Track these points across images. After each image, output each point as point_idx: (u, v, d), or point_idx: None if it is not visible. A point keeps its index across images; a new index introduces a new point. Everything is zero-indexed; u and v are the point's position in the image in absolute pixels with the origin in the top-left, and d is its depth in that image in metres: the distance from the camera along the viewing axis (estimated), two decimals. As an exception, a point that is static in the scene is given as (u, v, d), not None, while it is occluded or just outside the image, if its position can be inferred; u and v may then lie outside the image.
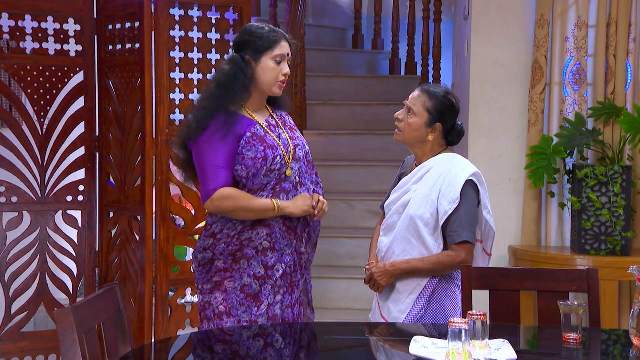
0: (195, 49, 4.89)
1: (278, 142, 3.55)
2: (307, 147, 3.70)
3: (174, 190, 5.05)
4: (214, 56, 4.92)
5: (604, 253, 4.99)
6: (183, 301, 4.88)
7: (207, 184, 3.49)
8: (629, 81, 5.23)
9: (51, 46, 4.99)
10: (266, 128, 3.56)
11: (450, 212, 3.55)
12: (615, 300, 4.93)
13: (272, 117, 3.65)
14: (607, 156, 5.12)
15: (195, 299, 4.83)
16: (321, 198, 3.62)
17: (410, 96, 3.70)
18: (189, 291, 4.88)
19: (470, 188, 3.60)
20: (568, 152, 5.17)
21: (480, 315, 2.81)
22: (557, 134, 5.23)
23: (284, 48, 3.57)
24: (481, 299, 3.62)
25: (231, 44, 4.85)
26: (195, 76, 4.89)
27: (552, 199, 5.31)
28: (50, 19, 4.97)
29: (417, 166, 3.74)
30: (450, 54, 6.87)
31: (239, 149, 3.48)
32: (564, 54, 5.28)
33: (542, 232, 5.37)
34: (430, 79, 7.55)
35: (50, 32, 4.98)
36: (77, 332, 2.58)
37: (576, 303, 3.08)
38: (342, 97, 7.64)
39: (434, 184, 3.61)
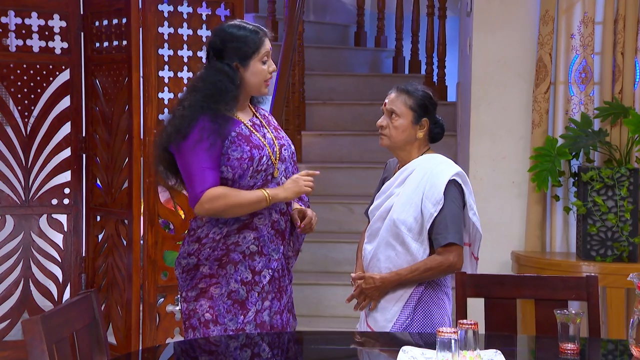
0: (185, 46, 4.90)
1: (263, 141, 3.53)
2: (292, 147, 3.69)
3: (166, 194, 5.05)
4: (204, 54, 4.89)
5: (610, 259, 4.95)
6: (172, 308, 4.86)
7: (195, 187, 3.46)
8: (637, 80, 5.19)
9: (35, 43, 5.00)
10: (251, 127, 3.54)
11: (435, 214, 3.53)
12: (622, 309, 4.90)
13: (256, 117, 3.63)
14: (614, 158, 5.09)
15: (185, 306, 4.81)
16: (310, 214, 3.60)
17: (386, 100, 3.69)
18: (178, 298, 4.86)
19: (454, 188, 3.58)
20: (573, 153, 5.13)
21: (471, 324, 2.78)
22: (562, 135, 5.20)
23: (267, 45, 3.56)
24: (480, 307, 3.59)
25: (204, 39, 4.87)
26: (185, 74, 4.88)
27: (557, 203, 5.28)
28: (34, 14, 4.98)
29: (400, 169, 3.72)
30: (457, 51, 6.84)
31: (223, 149, 3.46)
32: (570, 51, 5.25)
33: (547, 237, 5.34)
34: (435, 78, 7.53)
35: (35, 28, 4.99)
36: (46, 342, 2.56)
37: (573, 312, 3.05)
38: (343, 97, 7.61)
39: (417, 186, 3.60)
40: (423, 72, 7.77)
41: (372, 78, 7.90)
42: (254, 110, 3.65)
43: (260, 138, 3.54)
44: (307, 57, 7.51)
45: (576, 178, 5.15)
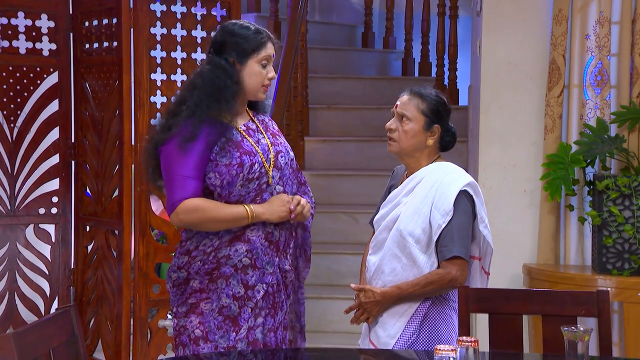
0: (179, 47, 4.89)
1: (256, 148, 3.51)
2: (292, 154, 3.66)
3: (159, 205, 5.03)
4: (198, 55, 4.90)
5: (627, 273, 4.91)
6: (164, 323, 4.84)
7: (173, 195, 3.45)
8: (656, 83, 5.16)
9: (22, 44, 5.00)
10: (243, 132, 3.53)
11: (443, 226, 3.50)
12: (640, 326, 4.86)
13: (252, 121, 3.61)
14: (631, 166, 5.04)
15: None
16: (302, 201, 3.56)
17: (398, 102, 3.67)
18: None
19: (465, 199, 3.55)
20: (588, 161, 5.10)
21: (471, 341, 2.74)
22: (576, 141, 5.16)
23: (269, 50, 3.55)
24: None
25: (199, 40, 4.87)
26: (179, 77, 4.87)
27: (571, 213, 5.24)
28: (21, 14, 4.98)
29: (407, 177, 3.69)
30: (469, 53, 6.81)
31: (212, 156, 3.44)
32: (584, 53, 5.21)
33: (560, 249, 5.29)
34: (446, 81, 7.50)
35: (22, 29, 4.99)
36: None
37: (582, 329, 3.01)
38: (349, 101, 7.59)
39: (426, 195, 3.57)
40: (434, 74, 7.74)
41: (380, 81, 7.88)
42: (251, 115, 3.64)
43: (253, 144, 3.52)
44: (312, 59, 7.49)
45: (591, 187, 5.11)
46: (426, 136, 3.64)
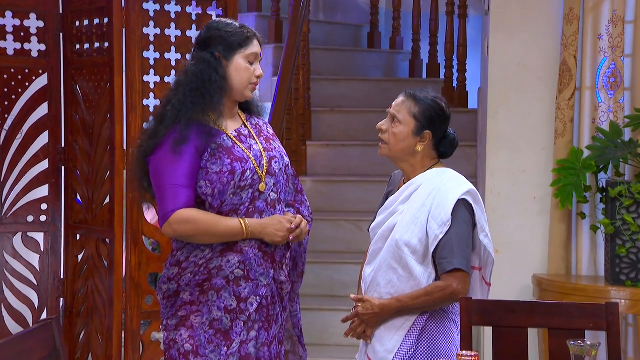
0: (173, 48, 4.87)
1: (248, 154, 3.50)
2: (287, 159, 3.66)
3: (153, 214, 5.01)
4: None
5: (641, 284, 4.90)
6: (157, 336, 4.83)
7: (165, 205, 3.44)
8: (672, 85, 5.15)
9: (10, 45, 4.98)
10: (234, 138, 3.52)
11: (441, 237, 3.48)
12: (655, 340, 4.84)
13: (245, 126, 3.60)
14: (646, 172, 5.04)
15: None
16: (303, 223, 3.55)
17: (393, 103, 3.66)
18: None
19: (463, 208, 3.53)
20: (601, 166, 5.08)
21: (471, 356, 2.73)
22: (588, 146, 5.15)
23: (255, 47, 3.56)
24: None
25: (194, 41, 4.85)
26: (172, 79, 4.83)
27: (583, 221, 5.22)
28: (8, 14, 4.96)
29: (405, 183, 3.68)
30: (479, 54, 6.80)
31: (202, 163, 3.44)
32: (597, 53, 5.20)
33: (572, 259, 5.28)
34: (455, 83, 7.48)
35: (9, 29, 4.97)
36: (-5, 375, 2.53)
37: (589, 343, 2.99)
38: (353, 103, 7.58)
39: (423, 204, 3.55)
40: (442, 76, 7.73)
41: (386, 83, 7.87)
42: (243, 119, 3.63)
43: (245, 150, 3.51)
44: (315, 60, 7.48)
45: (604, 194, 5.09)
46: (415, 141, 3.62)
